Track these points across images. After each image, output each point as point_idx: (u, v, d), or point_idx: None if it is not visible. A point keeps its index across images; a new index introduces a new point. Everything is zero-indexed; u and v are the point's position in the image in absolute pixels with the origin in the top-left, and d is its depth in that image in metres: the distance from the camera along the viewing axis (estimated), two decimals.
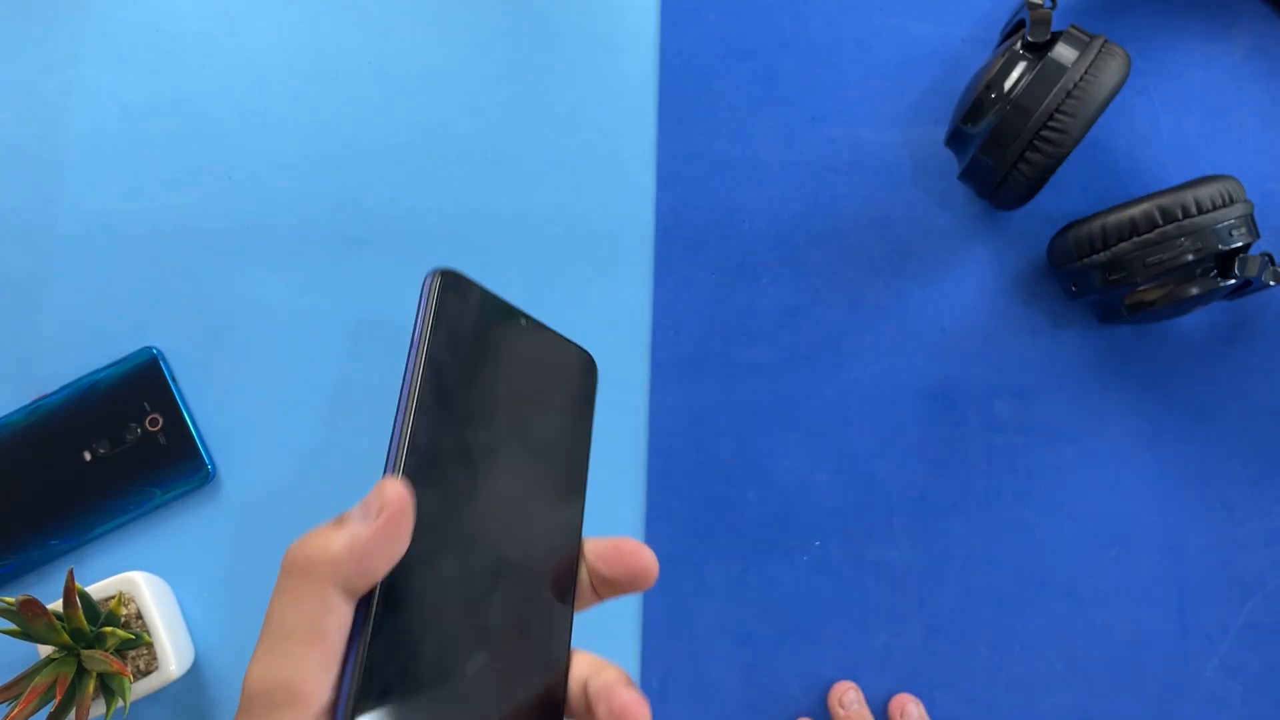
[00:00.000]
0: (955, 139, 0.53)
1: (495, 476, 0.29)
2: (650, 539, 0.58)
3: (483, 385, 0.30)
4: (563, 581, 0.30)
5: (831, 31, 0.58)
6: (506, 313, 0.31)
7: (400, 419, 0.28)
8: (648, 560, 0.30)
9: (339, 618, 0.25)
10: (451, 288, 0.29)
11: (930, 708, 0.53)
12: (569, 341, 0.33)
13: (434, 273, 0.29)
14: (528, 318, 0.31)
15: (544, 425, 0.31)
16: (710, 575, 0.61)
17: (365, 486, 0.61)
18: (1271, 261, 0.49)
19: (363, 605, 0.26)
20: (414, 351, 0.28)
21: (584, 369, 0.33)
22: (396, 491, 0.26)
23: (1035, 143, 0.48)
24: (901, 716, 0.52)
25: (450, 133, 0.56)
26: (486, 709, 0.27)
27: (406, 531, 0.26)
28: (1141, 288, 0.50)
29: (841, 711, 0.52)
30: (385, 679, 0.26)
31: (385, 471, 0.27)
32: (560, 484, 0.31)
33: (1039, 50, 0.49)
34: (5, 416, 0.52)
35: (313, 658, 0.25)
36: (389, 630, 0.26)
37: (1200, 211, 0.49)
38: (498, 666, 0.28)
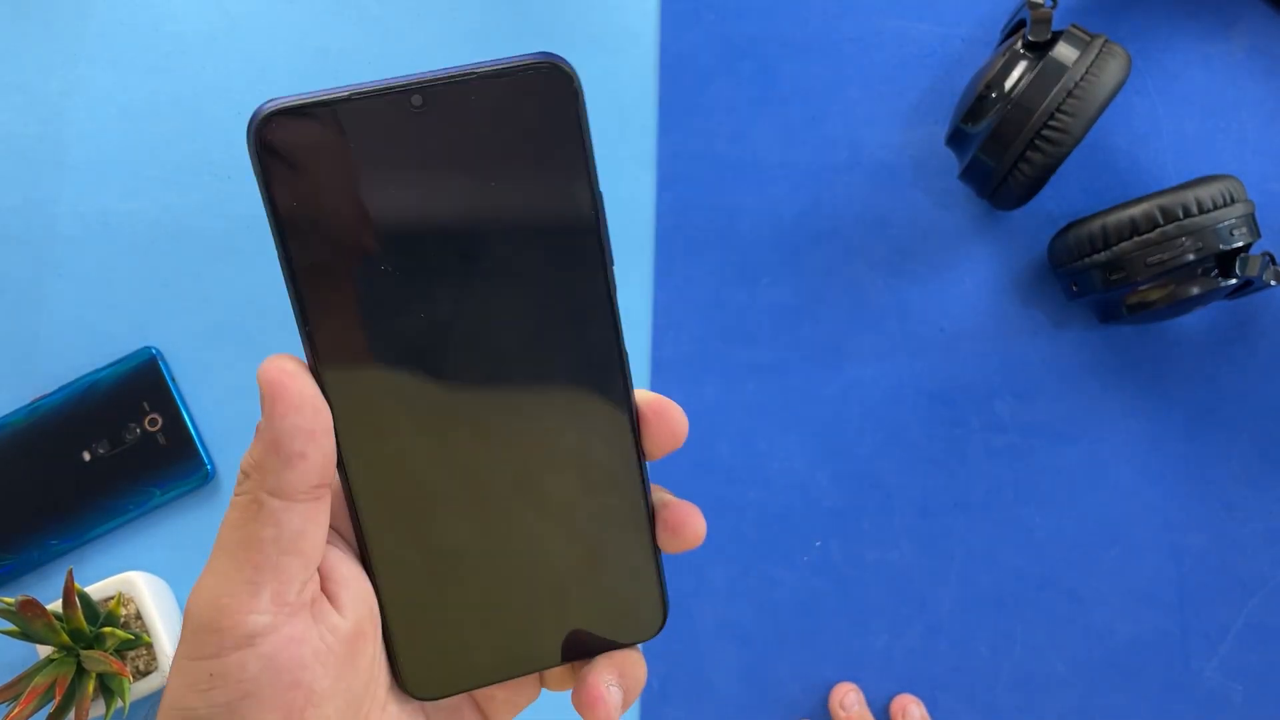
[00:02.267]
0: (955, 139, 0.53)
1: (461, 303, 0.25)
2: None
3: (386, 214, 0.24)
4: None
5: (831, 31, 0.58)
6: (377, 106, 0.23)
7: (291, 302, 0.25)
8: (682, 425, 0.28)
9: (274, 526, 0.23)
10: (273, 136, 0.23)
11: (931, 708, 0.53)
12: (503, 72, 0.23)
13: (248, 127, 0.23)
14: (422, 90, 0.23)
15: (498, 212, 0.25)
16: (710, 575, 0.61)
17: None
18: (1272, 261, 0.49)
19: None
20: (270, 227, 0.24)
21: (544, 93, 0.24)
22: (263, 368, 0.24)
23: (1036, 142, 0.48)
24: (904, 717, 0.52)
25: None
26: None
27: (296, 398, 0.23)
28: (1142, 287, 0.50)
29: (843, 713, 0.52)
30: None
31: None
32: (560, 272, 0.26)
33: (1040, 50, 0.49)
34: (5, 416, 0.52)
35: (241, 575, 0.23)
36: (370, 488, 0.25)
37: (1201, 211, 0.49)
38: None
